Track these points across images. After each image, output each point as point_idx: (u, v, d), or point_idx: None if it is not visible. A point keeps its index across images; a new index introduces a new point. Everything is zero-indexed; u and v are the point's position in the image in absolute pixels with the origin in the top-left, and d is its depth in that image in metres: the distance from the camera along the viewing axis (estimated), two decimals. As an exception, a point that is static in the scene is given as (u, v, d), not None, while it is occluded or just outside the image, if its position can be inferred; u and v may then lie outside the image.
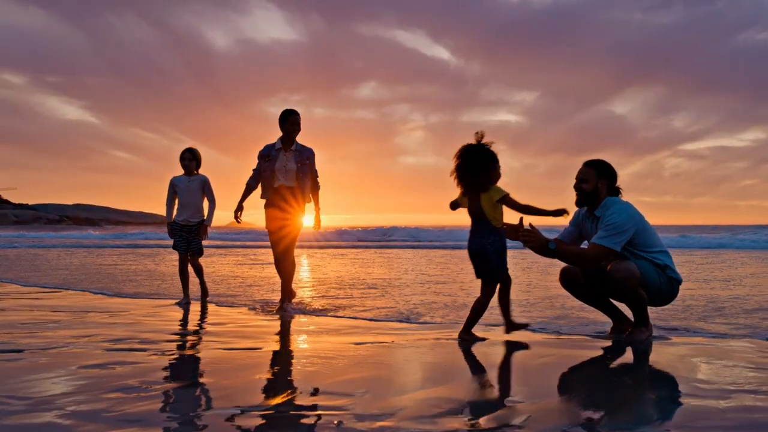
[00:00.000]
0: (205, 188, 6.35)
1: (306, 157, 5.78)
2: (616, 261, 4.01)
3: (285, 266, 5.78)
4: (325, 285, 8.04)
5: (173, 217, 6.32)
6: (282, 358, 3.63)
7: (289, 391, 2.79)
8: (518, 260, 12.65)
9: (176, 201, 6.34)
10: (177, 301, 6.31)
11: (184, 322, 5.07)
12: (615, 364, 3.58)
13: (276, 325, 4.91)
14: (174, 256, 14.42)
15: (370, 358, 3.53)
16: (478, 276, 4.17)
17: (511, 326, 4.23)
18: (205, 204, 6.38)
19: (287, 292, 5.82)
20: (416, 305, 5.95)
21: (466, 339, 4.11)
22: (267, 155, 5.73)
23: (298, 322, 5.06)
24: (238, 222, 5.92)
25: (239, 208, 5.87)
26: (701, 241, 24.49)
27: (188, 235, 6.32)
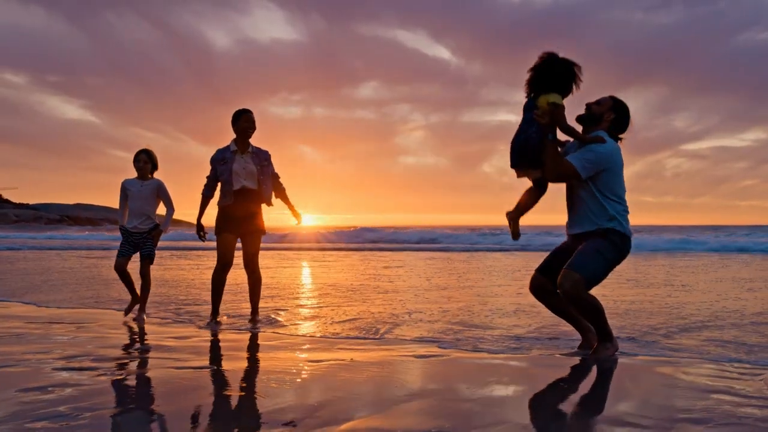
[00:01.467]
0: (161, 193, 5.92)
1: (264, 158, 5.66)
2: (562, 274, 3.96)
3: (255, 280, 5.73)
4: (292, 293, 7.97)
5: (124, 221, 5.92)
6: (231, 379, 3.55)
7: (226, 421, 2.72)
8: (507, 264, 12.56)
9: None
10: (127, 306, 5.99)
11: (140, 337, 5.00)
12: (567, 385, 3.51)
13: (232, 340, 4.81)
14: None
15: (321, 380, 3.47)
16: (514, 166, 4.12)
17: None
18: (161, 210, 6.03)
19: (256, 315, 5.75)
20: (382, 317, 5.87)
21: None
22: (222, 159, 5.53)
23: (257, 336, 4.96)
24: (203, 241, 5.77)
25: (201, 227, 5.72)
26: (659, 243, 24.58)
27: (138, 241, 5.87)
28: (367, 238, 31.74)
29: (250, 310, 5.83)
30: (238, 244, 5.69)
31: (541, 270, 4.33)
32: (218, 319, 5.60)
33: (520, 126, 4.08)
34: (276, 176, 5.77)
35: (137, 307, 5.94)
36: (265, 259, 15.21)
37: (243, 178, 5.49)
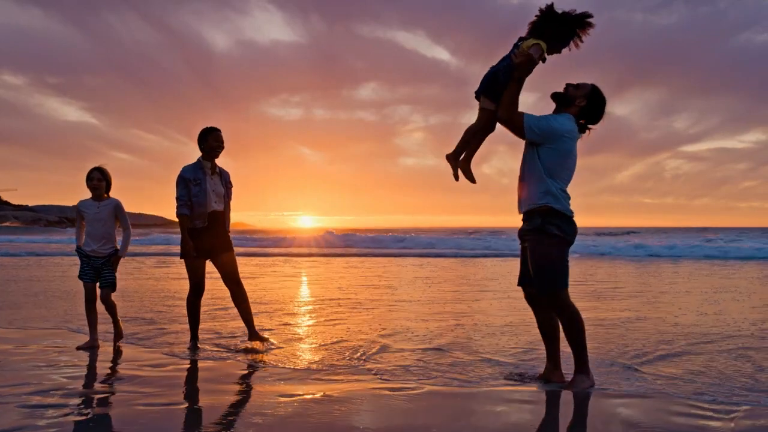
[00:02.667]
0: (118, 214, 5.58)
1: (228, 179, 5.59)
2: (541, 300, 4.04)
3: (241, 294, 5.62)
4: (272, 309, 7.93)
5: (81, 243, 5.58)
6: (193, 419, 3.52)
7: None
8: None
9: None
10: (83, 344, 5.52)
11: (113, 366, 4.96)
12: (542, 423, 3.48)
13: (207, 369, 4.76)
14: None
15: (288, 421, 3.44)
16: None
17: None
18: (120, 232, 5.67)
19: (254, 329, 5.64)
20: (364, 339, 5.83)
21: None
22: (195, 179, 5.36)
23: (231, 366, 4.93)
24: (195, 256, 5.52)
25: (190, 245, 5.42)
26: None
27: (97, 266, 5.53)
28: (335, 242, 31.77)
29: (244, 329, 5.68)
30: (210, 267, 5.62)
31: (521, 282, 4.33)
32: (198, 345, 5.55)
33: (500, 60, 4.05)
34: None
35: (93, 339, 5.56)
36: (240, 267, 15.14)
37: (214, 201, 5.42)
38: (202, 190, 5.35)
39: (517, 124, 3.97)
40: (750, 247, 23.52)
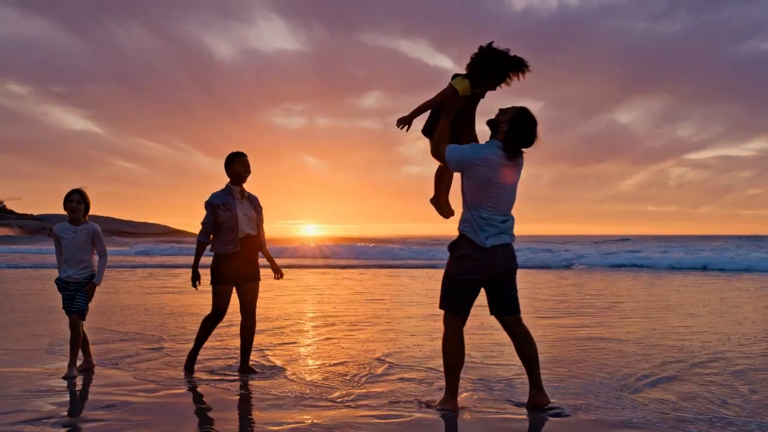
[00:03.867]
0: (96, 240, 5.46)
1: (257, 203, 5.56)
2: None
3: (251, 326, 5.54)
4: (268, 327, 7.94)
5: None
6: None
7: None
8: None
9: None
10: (78, 367, 5.38)
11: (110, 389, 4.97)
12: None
13: (203, 394, 4.79)
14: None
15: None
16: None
17: None
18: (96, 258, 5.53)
19: (248, 362, 5.54)
20: (357, 360, 5.84)
21: None
22: (224, 204, 5.32)
23: (222, 392, 4.91)
24: (197, 288, 5.53)
25: (196, 275, 5.45)
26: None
27: (72, 292, 5.38)
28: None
29: (240, 357, 5.58)
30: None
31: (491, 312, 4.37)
32: (194, 366, 5.54)
33: None
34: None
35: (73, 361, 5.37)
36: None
37: (246, 225, 5.38)
38: (233, 215, 5.31)
39: (440, 157, 4.12)
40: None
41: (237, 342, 5.84)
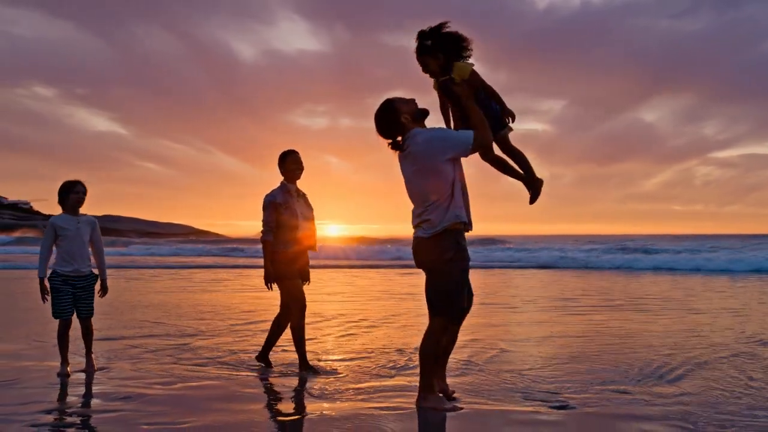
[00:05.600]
0: (96, 234, 5.31)
1: (309, 202, 5.56)
2: None
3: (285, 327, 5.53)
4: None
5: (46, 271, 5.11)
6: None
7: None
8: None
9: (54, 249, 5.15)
10: (66, 370, 5.19)
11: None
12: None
13: (207, 389, 4.89)
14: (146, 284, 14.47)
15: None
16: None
17: None
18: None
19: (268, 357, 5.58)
20: (372, 353, 5.92)
21: None
22: (285, 203, 5.34)
23: (237, 384, 5.03)
24: (271, 289, 5.44)
25: (270, 274, 5.36)
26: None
27: (78, 291, 5.18)
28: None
29: (257, 348, 5.62)
30: None
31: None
32: (311, 365, 5.42)
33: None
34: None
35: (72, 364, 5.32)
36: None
37: (304, 224, 5.40)
38: (293, 213, 5.34)
39: (488, 140, 4.03)
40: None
41: (259, 339, 5.94)
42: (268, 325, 5.81)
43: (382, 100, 4.20)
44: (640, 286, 14.29)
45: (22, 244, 46.62)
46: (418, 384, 4.15)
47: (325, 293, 12.32)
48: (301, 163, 5.43)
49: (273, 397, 4.58)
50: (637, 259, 23.12)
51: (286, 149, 5.46)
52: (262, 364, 5.59)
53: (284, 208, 5.32)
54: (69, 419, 3.99)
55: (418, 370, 4.18)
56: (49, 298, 5.14)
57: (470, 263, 4.11)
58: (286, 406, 4.29)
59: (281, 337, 5.61)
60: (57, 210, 5.33)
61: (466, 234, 4.09)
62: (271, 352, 5.67)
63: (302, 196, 5.50)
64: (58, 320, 5.21)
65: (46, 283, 5.13)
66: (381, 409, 4.20)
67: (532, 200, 4.24)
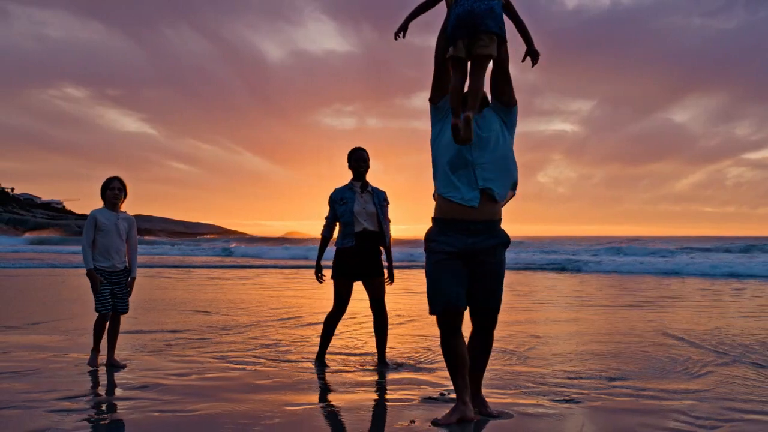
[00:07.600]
0: (132, 231, 5.38)
1: (383, 198, 5.47)
2: None
3: (382, 321, 5.49)
4: (297, 323, 8.08)
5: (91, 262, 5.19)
6: (197, 426, 3.73)
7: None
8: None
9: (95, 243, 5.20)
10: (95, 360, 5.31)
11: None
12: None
13: (220, 380, 4.98)
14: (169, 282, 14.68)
15: (282, 428, 3.63)
16: None
17: None
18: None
19: (384, 356, 5.49)
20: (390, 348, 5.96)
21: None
22: (341, 199, 5.40)
23: (250, 376, 5.11)
24: (321, 282, 5.50)
25: (320, 268, 5.50)
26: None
27: (114, 287, 5.27)
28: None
29: (376, 353, 5.55)
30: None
31: (463, 304, 3.86)
32: (325, 362, 5.54)
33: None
34: (388, 221, 5.52)
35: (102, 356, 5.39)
36: (271, 278, 15.42)
37: (363, 220, 5.33)
38: (348, 210, 5.32)
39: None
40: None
41: (276, 335, 6.03)
42: (297, 322, 5.86)
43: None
44: (681, 286, 14.11)
45: (45, 244, 48.18)
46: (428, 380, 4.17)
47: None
48: (363, 160, 5.42)
49: (282, 388, 4.64)
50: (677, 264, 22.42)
51: (354, 147, 5.48)
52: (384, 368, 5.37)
53: (340, 204, 5.38)
54: (86, 405, 4.12)
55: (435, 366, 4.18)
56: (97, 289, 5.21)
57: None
58: (296, 397, 4.36)
59: (304, 331, 5.58)
60: (88, 210, 5.43)
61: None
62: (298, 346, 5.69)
63: (371, 192, 5.43)
64: (97, 314, 5.32)
65: (95, 275, 5.20)
66: (395, 400, 4.25)
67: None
